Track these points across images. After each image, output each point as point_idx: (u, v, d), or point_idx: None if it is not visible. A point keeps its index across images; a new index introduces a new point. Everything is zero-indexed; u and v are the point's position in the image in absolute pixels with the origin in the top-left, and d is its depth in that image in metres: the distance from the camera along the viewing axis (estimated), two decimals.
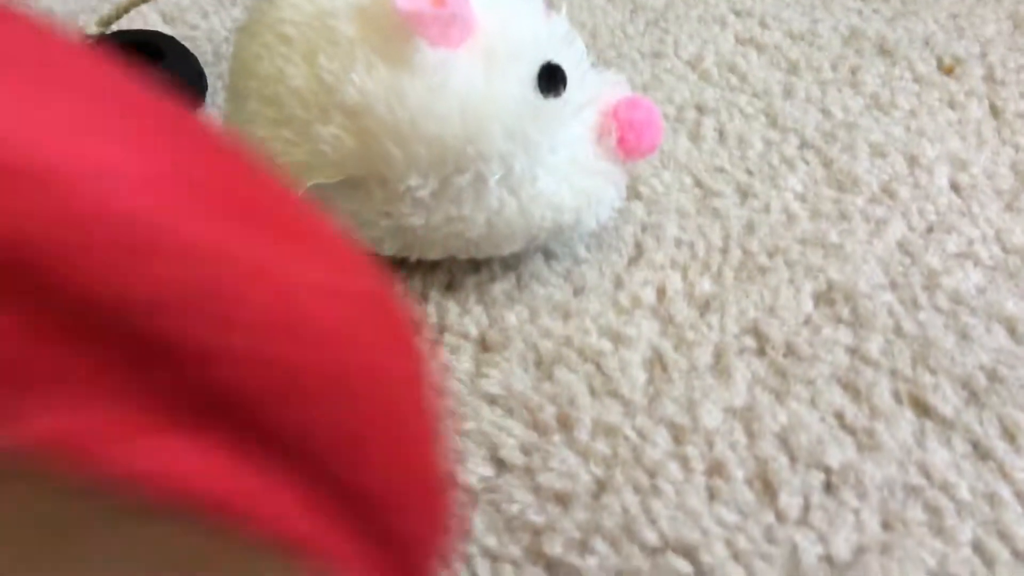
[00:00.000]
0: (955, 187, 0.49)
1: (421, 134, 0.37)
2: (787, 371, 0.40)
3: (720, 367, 0.40)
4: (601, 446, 0.37)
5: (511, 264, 0.44)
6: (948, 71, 0.57)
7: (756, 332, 0.41)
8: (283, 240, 0.16)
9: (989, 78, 0.56)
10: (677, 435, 0.37)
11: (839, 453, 0.37)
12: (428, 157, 0.38)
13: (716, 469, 0.36)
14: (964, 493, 0.35)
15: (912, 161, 0.50)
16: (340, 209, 0.40)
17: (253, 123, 0.40)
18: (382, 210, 0.40)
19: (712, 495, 0.36)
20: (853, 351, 0.40)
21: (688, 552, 0.34)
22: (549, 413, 0.38)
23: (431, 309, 0.42)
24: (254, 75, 0.39)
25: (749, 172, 0.50)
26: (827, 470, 0.36)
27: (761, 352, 0.41)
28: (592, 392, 0.39)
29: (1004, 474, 0.36)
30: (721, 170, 0.50)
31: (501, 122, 0.38)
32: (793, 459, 0.37)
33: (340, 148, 0.38)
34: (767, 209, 0.48)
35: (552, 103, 0.39)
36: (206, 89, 0.55)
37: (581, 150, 0.41)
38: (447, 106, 0.37)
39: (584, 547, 0.34)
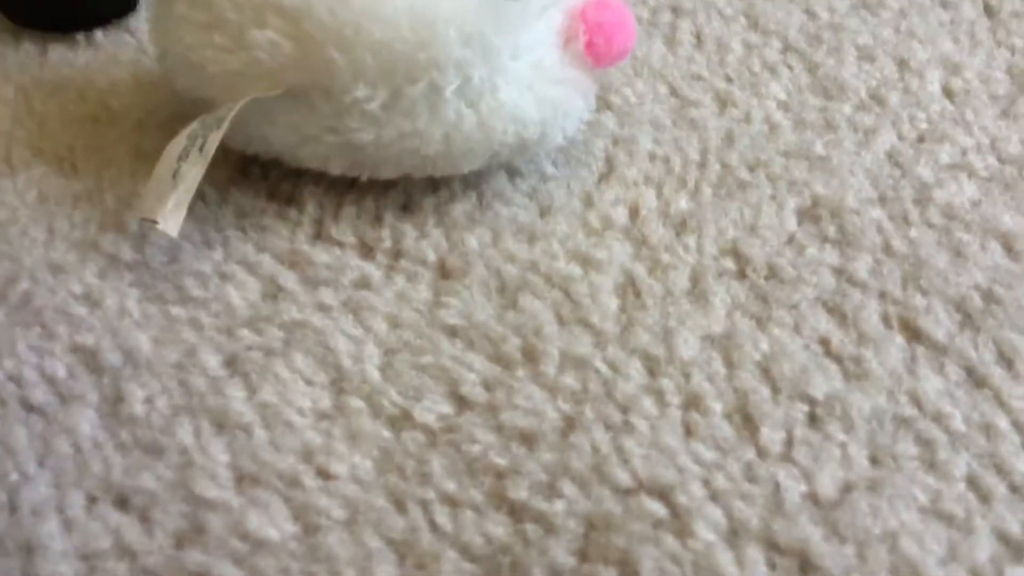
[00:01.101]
0: (948, 93, 0.47)
1: (366, 39, 0.35)
2: (769, 295, 0.38)
3: (697, 292, 0.38)
4: (569, 380, 0.35)
5: (472, 183, 0.42)
6: None
7: (736, 253, 0.39)
8: None
9: None
10: (651, 367, 0.35)
11: (824, 383, 0.35)
12: (376, 65, 0.35)
13: (693, 403, 0.34)
14: (958, 424, 0.34)
15: (902, 65, 0.49)
16: (281, 124, 0.38)
17: (180, 28, 0.38)
18: (328, 125, 0.37)
19: (688, 431, 0.34)
20: (839, 272, 0.39)
21: (663, 493, 0.32)
22: (513, 345, 0.36)
23: (385, 233, 0.40)
24: None
25: (728, 79, 0.48)
26: (811, 401, 0.34)
27: (741, 275, 0.39)
28: (560, 321, 0.37)
29: (1001, 402, 0.34)
30: (698, 77, 0.48)
31: (456, 24, 0.35)
32: (775, 390, 0.35)
33: (278, 55, 0.36)
34: (748, 119, 0.46)
35: (513, 4, 0.37)
36: None
37: (546, 56, 0.39)
38: (394, 6, 0.35)
39: (551, 490, 0.32)
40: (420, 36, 0.35)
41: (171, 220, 0.36)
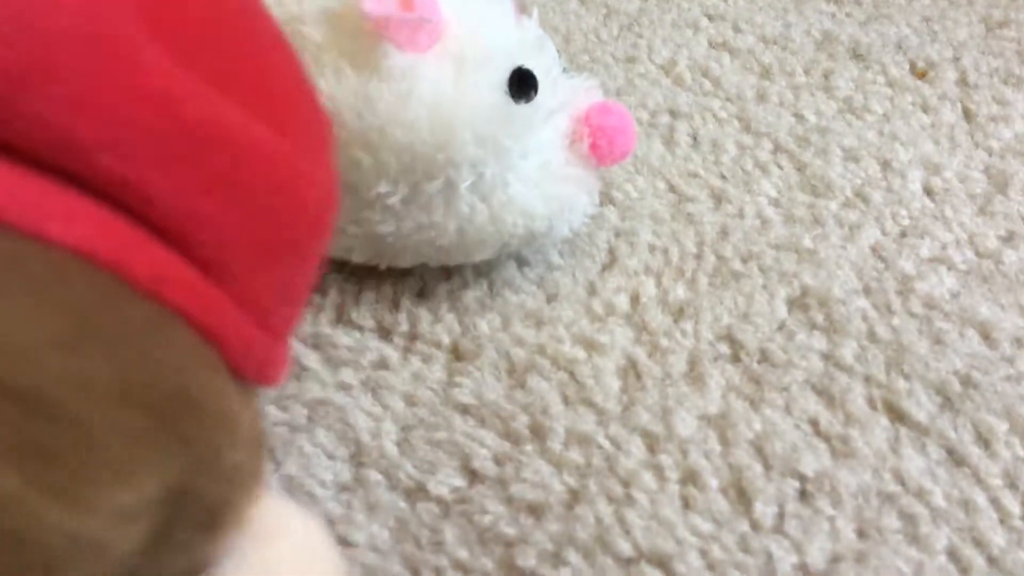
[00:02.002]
0: (928, 191, 0.49)
1: (390, 141, 0.37)
2: (761, 378, 0.39)
3: (694, 374, 0.40)
4: (574, 455, 0.36)
5: (483, 271, 0.44)
6: (921, 75, 0.57)
7: (730, 339, 0.41)
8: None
9: (962, 82, 0.56)
10: (651, 444, 0.37)
11: (814, 461, 0.36)
12: (397, 164, 0.37)
13: (690, 478, 0.36)
14: (939, 500, 0.35)
15: (885, 165, 0.50)
16: None
17: None
18: (352, 218, 0.39)
19: (686, 504, 0.35)
20: (827, 357, 0.40)
21: (662, 562, 0.33)
22: (522, 422, 0.38)
23: (402, 317, 0.42)
24: None
25: (723, 177, 0.50)
26: (802, 478, 0.36)
27: (735, 359, 0.40)
28: (565, 401, 0.39)
29: (979, 480, 0.36)
30: (695, 175, 0.50)
31: (471, 128, 0.37)
32: (768, 467, 0.36)
33: None
34: (741, 214, 0.48)
35: (523, 108, 0.39)
36: None
37: (553, 156, 0.41)
38: (416, 112, 0.36)
39: (557, 559, 0.33)
40: (439, 138, 0.37)
41: None
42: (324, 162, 0.25)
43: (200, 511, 0.21)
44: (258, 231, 0.22)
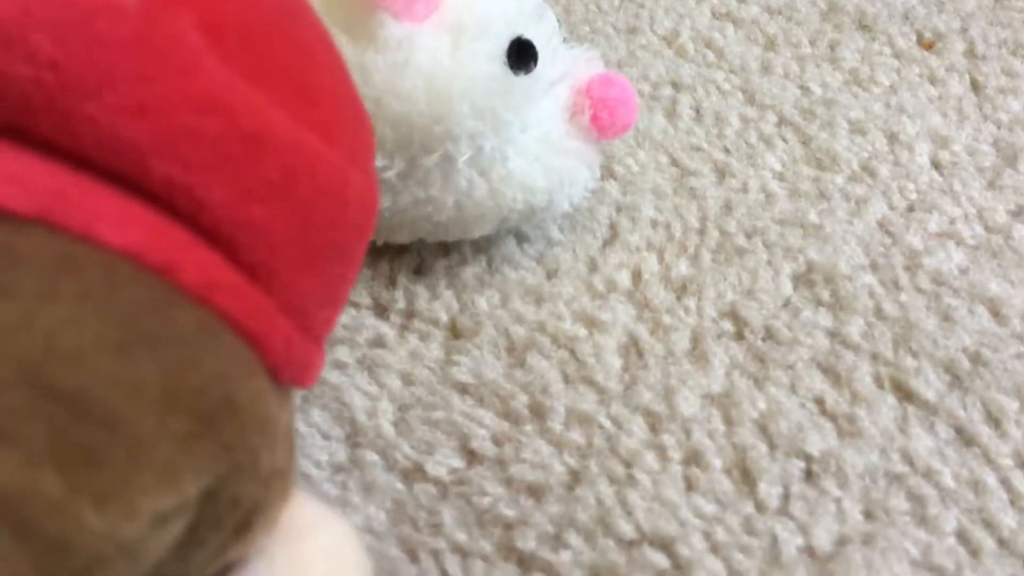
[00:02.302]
0: (936, 165, 0.48)
1: (386, 113, 0.36)
2: (766, 356, 0.39)
3: (697, 352, 0.39)
4: (575, 436, 0.36)
5: (482, 247, 0.43)
6: (928, 46, 0.56)
7: (734, 316, 0.40)
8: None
9: (970, 53, 0.55)
10: (653, 423, 0.36)
11: (820, 440, 0.36)
12: (394, 137, 0.36)
13: (693, 458, 0.35)
14: (948, 480, 0.35)
15: (892, 138, 0.50)
16: None
17: None
18: None
19: (689, 485, 0.35)
20: (833, 334, 0.40)
21: (665, 545, 0.33)
22: (521, 402, 0.37)
23: (399, 294, 0.41)
24: None
25: (726, 151, 0.49)
26: (807, 458, 0.35)
27: (739, 336, 0.40)
28: (566, 379, 0.38)
29: (989, 460, 0.35)
30: (698, 149, 0.49)
31: (469, 100, 0.36)
32: (772, 447, 0.36)
33: None
34: (745, 189, 0.47)
35: (522, 80, 0.38)
36: None
37: (553, 129, 0.40)
38: (413, 84, 0.36)
39: (558, 541, 0.33)
40: (436, 110, 0.36)
41: None
42: (366, 166, 0.25)
43: (235, 514, 0.21)
44: (304, 236, 0.22)
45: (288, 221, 0.22)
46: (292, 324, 0.23)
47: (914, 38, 0.57)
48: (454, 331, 0.40)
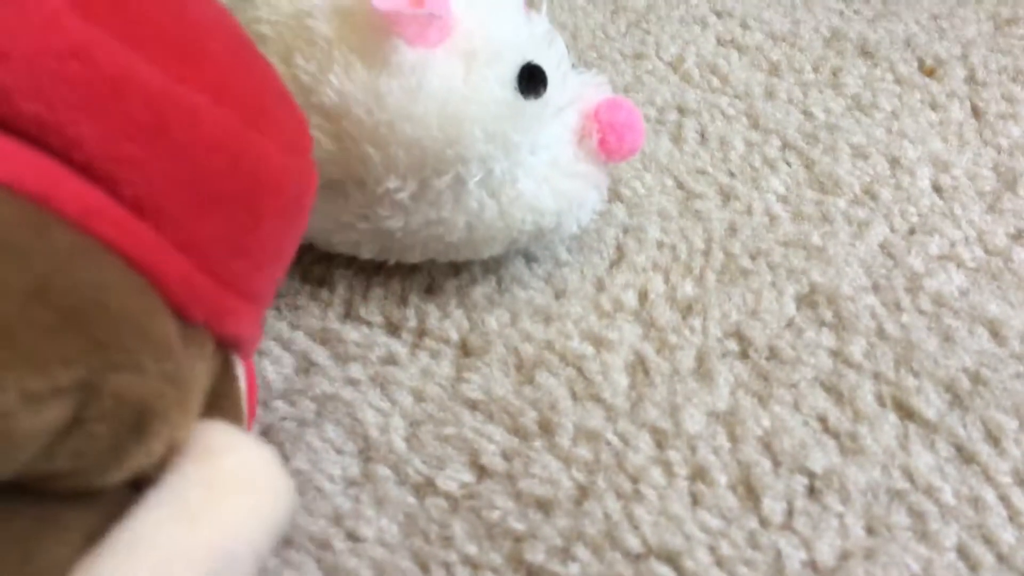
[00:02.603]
0: (937, 188, 0.49)
1: (399, 136, 0.37)
2: (770, 375, 0.39)
3: (703, 371, 0.40)
4: (583, 451, 0.36)
5: (492, 267, 0.44)
6: (929, 72, 0.57)
7: (739, 335, 0.41)
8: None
9: (970, 79, 0.56)
10: (659, 440, 0.37)
11: (822, 457, 0.36)
12: (407, 159, 0.37)
13: (699, 474, 0.36)
14: (948, 497, 0.35)
15: (894, 162, 0.50)
16: (318, 212, 0.40)
17: None
18: (360, 213, 0.39)
19: (695, 500, 0.35)
20: (836, 354, 0.40)
21: (671, 559, 0.33)
22: (530, 418, 0.38)
23: (411, 313, 0.42)
24: None
25: (731, 174, 0.50)
26: (810, 474, 0.36)
27: (744, 355, 0.40)
28: (574, 397, 0.39)
29: (988, 478, 0.36)
30: (703, 172, 0.50)
31: (480, 124, 0.37)
32: (776, 463, 0.36)
33: (317, 150, 0.37)
34: (749, 211, 0.48)
35: (532, 104, 0.39)
36: None
37: (562, 152, 0.41)
38: (425, 107, 0.36)
39: (566, 554, 0.33)
40: (448, 134, 0.37)
41: None
42: (282, 140, 0.28)
43: (121, 411, 0.23)
44: (192, 181, 0.25)
45: (168, 163, 0.24)
46: (193, 264, 0.25)
47: (915, 65, 0.58)
48: (464, 349, 0.41)
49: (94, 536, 0.23)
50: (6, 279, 0.21)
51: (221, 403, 0.28)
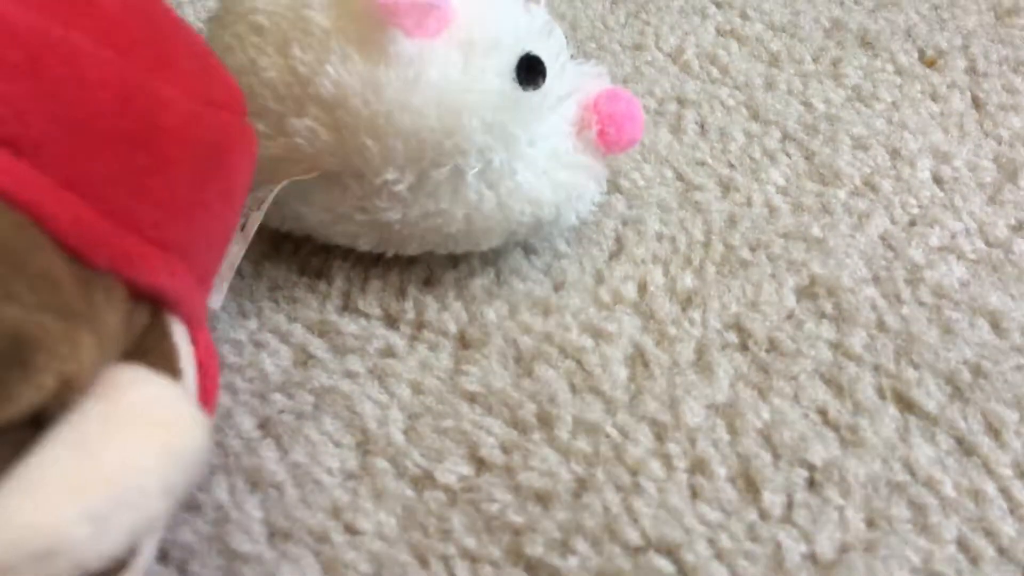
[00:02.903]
0: (937, 180, 0.49)
1: (397, 127, 0.36)
2: (770, 367, 0.39)
3: (702, 363, 0.40)
4: (582, 444, 0.36)
5: (490, 259, 0.44)
6: (930, 63, 0.57)
7: (738, 327, 0.41)
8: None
9: (971, 70, 0.56)
10: (659, 433, 0.37)
11: (822, 450, 0.36)
12: (405, 151, 0.37)
13: (698, 467, 0.36)
14: (948, 490, 0.35)
15: (894, 154, 0.50)
16: (315, 204, 0.40)
17: None
18: (358, 205, 0.39)
19: (695, 493, 0.35)
20: (836, 346, 0.40)
21: (671, 551, 0.33)
22: (529, 411, 0.38)
23: (409, 305, 0.42)
24: (226, 66, 0.38)
25: (731, 165, 0.50)
26: (810, 467, 0.36)
27: (743, 348, 0.40)
28: (573, 389, 0.38)
29: (989, 470, 0.36)
30: (702, 163, 0.50)
31: (479, 115, 0.37)
32: (776, 456, 0.36)
33: (315, 142, 0.37)
34: (749, 203, 0.47)
35: (531, 95, 0.38)
36: None
37: (561, 143, 0.41)
38: (424, 98, 0.36)
39: (565, 547, 0.33)
40: (446, 125, 0.37)
41: (215, 294, 0.38)
42: (190, 89, 0.28)
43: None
44: (73, 120, 0.25)
45: (44, 102, 0.24)
46: (86, 204, 0.25)
47: (916, 55, 0.57)
48: (463, 341, 0.41)
49: None
50: None
51: (147, 358, 0.27)
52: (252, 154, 0.32)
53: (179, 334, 0.29)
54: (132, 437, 0.24)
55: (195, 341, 0.30)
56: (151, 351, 0.28)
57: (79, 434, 0.23)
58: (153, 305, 0.28)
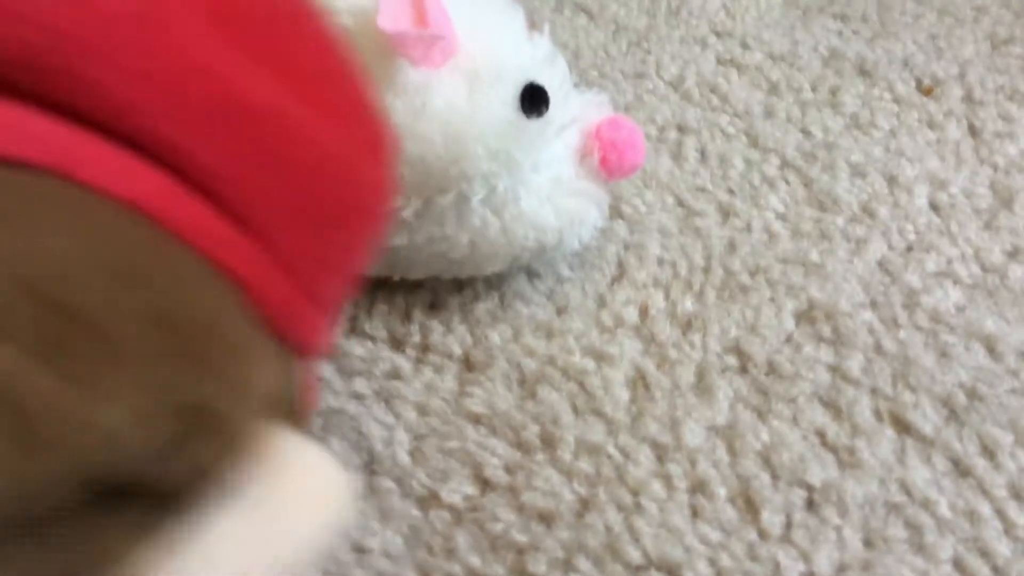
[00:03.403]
0: (934, 206, 0.50)
1: (404, 155, 0.37)
2: (769, 389, 0.40)
3: (702, 386, 0.40)
4: (584, 465, 0.37)
5: (494, 283, 0.44)
6: (927, 92, 0.58)
7: (738, 351, 0.42)
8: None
9: (968, 98, 0.57)
10: (660, 454, 0.37)
11: (821, 471, 0.37)
12: (411, 178, 0.38)
13: (699, 487, 0.36)
14: (944, 510, 0.36)
15: (891, 181, 0.51)
16: None
17: None
18: None
19: (695, 513, 0.36)
20: (834, 369, 0.41)
21: (671, 570, 0.34)
22: (532, 432, 0.38)
23: (415, 328, 0.42)
24: None
25: (730, 192, 0.51)
26: (809, 488, 0.36)
27: (743, 370, 0.41)
28: (575, 411, 0.39)
29: (984, 491, 0.36)
30: (703, 190, 0.51)
31: (484, 142, 0.38)
32: (775, 477, 0.37)
33: None
34: (748, 228, 0.48)
35: (535, 123, 0.39)
36: None
37: (564, 170, 0.41)
38: (430, 127, 0.37)
39: (568, 566, 0.34)
40: (452, 152, 0.37)
41: None
42: (370, 154, 0.28)
43: (224, 435, 0.23)
44: (295, 199, 0.25)
45: (277, 182, 0.24)
46: (289, 282, 0.25)
47: (913, 84, 0.58)
48: (468, 364, 0.41)
49: (154, 530, 0.23)
50: (129, 302, 0.21)
51: (292, 410, 0.28)
52: (390, 199, 0.31)
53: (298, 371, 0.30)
54: (299, 511, 0.25)
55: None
56: (295, 403, 0.28)
57: (253, 506, 0.24)
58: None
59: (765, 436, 0.38)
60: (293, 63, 0.26)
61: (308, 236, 0.25)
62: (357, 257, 0.29)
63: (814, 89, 0.58)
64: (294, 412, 0.28)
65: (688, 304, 0.44)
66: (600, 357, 0.41)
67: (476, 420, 0.39)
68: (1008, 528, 0.35)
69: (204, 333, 0.22)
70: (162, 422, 0.21)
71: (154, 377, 0.21)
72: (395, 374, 0.41)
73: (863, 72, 0.59)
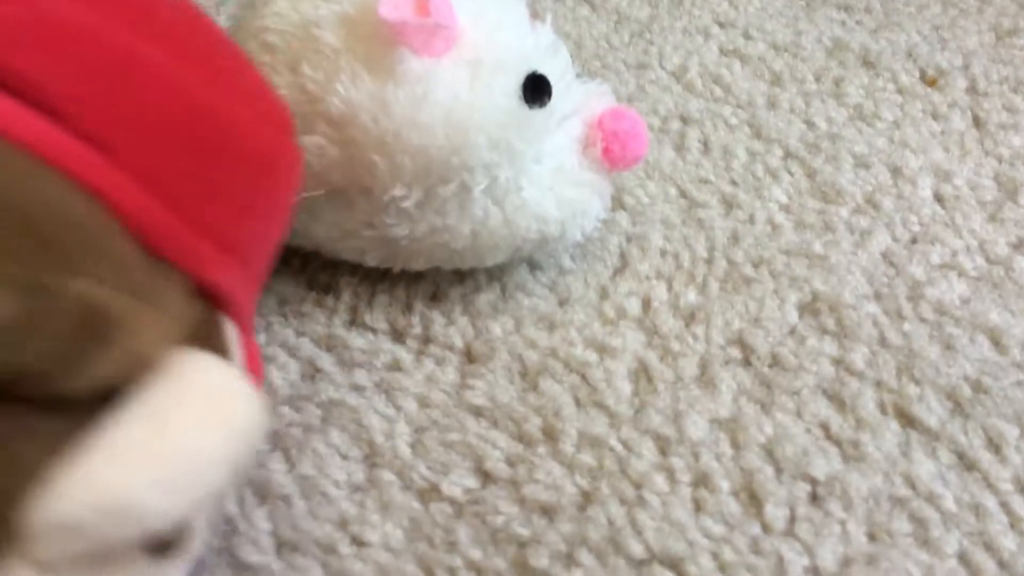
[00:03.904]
0: (939, 198, 0.49)
1: (405, 144, 0.37)
2: (772, 382, 0.40)
3: (705, 378, 0.40)
4: (586, 458, 0.37)
5: (496, 275, 0.44)
6: (931, 83, 0.57)
7: (741, 343, 0.41)
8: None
9: (972, 89, 0.57)
10: (663, 446, 0.37)
11: (825, 464, 0.37)
12: (412, 167, 0.37)
13: (702, 480, 0.36)
14: (950, 504, 0.35)
15: (896, 172, 0.51)
16: (324, 219, 0.40)
17: None
18: (366, 220, 0.40)
19: (698, 506, 0.35)
20: (838, 362, 0.41)
21: (674, 564, 0.34)
22: (534, 424, 0.38)
23: (416, 320, 0.42)
24: None
25: (734, 183, 0.50)
26: (813, 481, 0.36)
27: (746, 363, 0.41)
28: (577, 403, 0.39)
29: (989, 485, 0.36)
30: (706, 181, 0.50)
31: (485, 132, 0.38)
32: (779, 470, 0.36)
33: (324, 158, 0.38)
34: (752, 220, 0.48)
35: (537, 113, 0.39)
36: None
37: (566, 160, 0.41)
38: (431, 116, 0.37)
39: (570, 559, 0.34)
40: (453, 142, 0.37)
41: None
42: (249, 107, 0.31)
43: (79, 312, 0.23)
44: (148, 123, 0.27)
45: (128, 107, 0.26)
46: (155, 199, 0.27)
47: (917, 75, 0.58)
48: (469, 356, 0.41)
49: (63, 442, 0.24)
50: None
51: (203, 349, 0.28)
52: (298, 172, 0.33)
53: (231, 334, 0.30)
54: (199, 414, 0.25)
55: (244, 346, 0.31)
56: (206, 344, 0.28)
57: (151, 409, 0.25)
58: (208, 303, 0.29)
59: (768, 429, 0.38)
60: (167, 32, 0.29)
61: (166, 157, 0.27)
62: (246, 198, 0.30)
63: (818, 80, 0.58)
64: (203, 345, 0.29)
65: (691, 296, 0.44)
66: (602, 349, 0.41)
67: (477, 412, 0.39)
68: (1014, 522, 0.35)
69: (45, 215, 0.24)
70: (9, 298, 0.22)
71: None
72: (396, 366, 0.40)
73: (867, 63, 0.59)
